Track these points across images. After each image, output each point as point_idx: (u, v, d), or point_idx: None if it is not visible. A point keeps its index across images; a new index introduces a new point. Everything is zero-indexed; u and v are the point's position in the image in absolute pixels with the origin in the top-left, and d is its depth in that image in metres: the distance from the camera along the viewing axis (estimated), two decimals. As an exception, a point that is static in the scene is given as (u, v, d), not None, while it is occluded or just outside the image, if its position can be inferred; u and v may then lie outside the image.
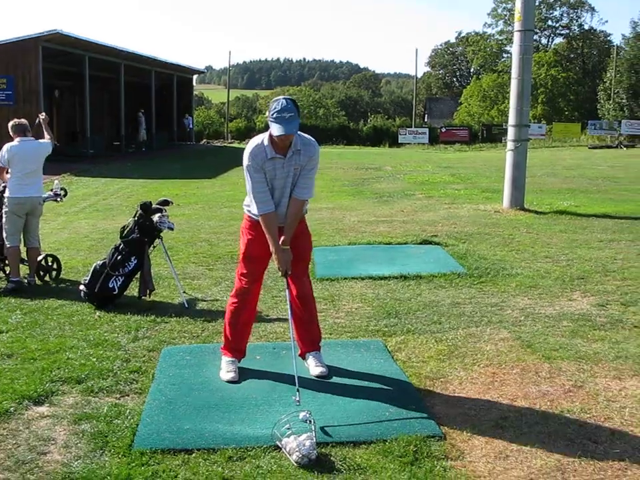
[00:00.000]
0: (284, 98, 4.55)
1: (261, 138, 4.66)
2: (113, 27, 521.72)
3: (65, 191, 8.89)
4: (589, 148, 39.44)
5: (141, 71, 34.43)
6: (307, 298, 5.03)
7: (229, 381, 4.89)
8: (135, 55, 32.31)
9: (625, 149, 38.28)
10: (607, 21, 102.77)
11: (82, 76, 28.80)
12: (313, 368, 5.01)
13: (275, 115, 4.44)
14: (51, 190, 8.44)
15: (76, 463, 3.73)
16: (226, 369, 5.00)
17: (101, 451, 3.87)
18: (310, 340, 5.10)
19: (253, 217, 4.79)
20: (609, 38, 73.65)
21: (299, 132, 4.61)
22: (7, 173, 7.59)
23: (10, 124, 7.67)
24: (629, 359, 5.26)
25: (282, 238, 4.68)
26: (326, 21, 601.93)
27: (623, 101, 49.66)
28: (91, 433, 4.08)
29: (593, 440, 4.00)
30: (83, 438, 4.04)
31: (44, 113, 8.18)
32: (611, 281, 7.67)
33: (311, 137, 4.78)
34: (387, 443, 3.93)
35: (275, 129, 4.45)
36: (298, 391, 4.34)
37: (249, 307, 5.04)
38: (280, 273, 4.81)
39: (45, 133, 7.84)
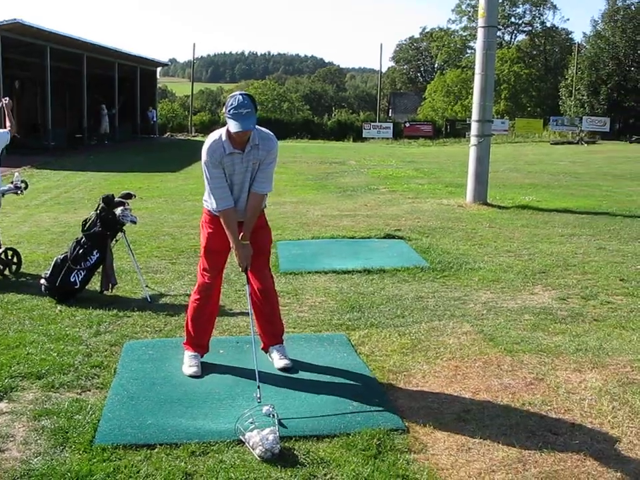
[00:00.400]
0: (240, 94, 4.51)
1: (219, 133, 4.62)
2: (74, 17, 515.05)
3: (26, 183, 8.74)
4: (551, 144, 39.96)
5: (103, 62, 33.99)
6: (269, 291, 5.01)
7: (191, 376, 4.86)
8: (97, 46, 31.87)
9: (585, 145, 38.87)
10: (568, 19, 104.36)
11: (43, 67, 28.35)
12: (277, 361, 5.00)
13: (231, 111, 4.40)
14: (11, 182, 8.30)
15: (35, 460, 3.68)
16: (188, 363, 4.97)
17: (62, 447, 3.82)
18: (272, 333, 5.09)
19: (213, 211, 4.76)
20: (570, 36, 74.83)
21: (257, 127, 4.59)
22: None
23: None
24: (588, 352, 5.33)
25: (241, 233, 4.66)
26: (291, 14, 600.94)
27: (584, 97, 50.29)
28: (51, 429, 4.02)
29: (554, 432, 4.05)
30: (42, 434, 3.98)
31: (7, 98, 7.98)
32: (571, 275, 7.78)
33: (269, 131, 4.74)
34: (350, 437, 3.94)
35: (232, 125, 4.42)
36: (259, 387, 4.32)
37: (211, 302, 5.01)
38: (240, 268, 4.79)
39: (7, 119, 7.68)
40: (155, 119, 41.99)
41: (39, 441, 3.89)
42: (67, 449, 3.81)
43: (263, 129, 4.72)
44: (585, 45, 54.07)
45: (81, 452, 3.76)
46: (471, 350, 5.39)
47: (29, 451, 3.79)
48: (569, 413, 4.31)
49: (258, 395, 4.26)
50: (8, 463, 3.66)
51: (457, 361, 5.18)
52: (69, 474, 3.52)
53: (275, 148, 4.70)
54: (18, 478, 3.51)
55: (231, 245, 4.69)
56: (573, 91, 50.85)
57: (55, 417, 4.18)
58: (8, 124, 7.65)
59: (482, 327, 5.95)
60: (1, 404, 4.39)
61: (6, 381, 4.69)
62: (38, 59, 28.49)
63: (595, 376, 4.88)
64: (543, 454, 3.78)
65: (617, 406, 4.39)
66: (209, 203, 4.76)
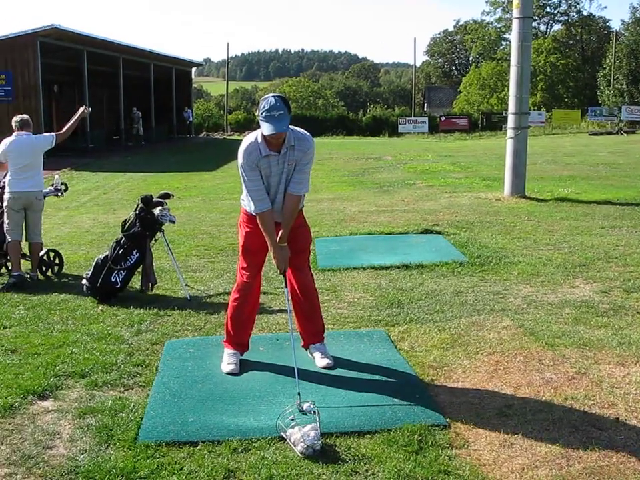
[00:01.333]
0: (272, 96, 4.51)
1: (255, 136, 4.62)
2: (108, 20, 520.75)
3: (66, 185, 8.89)
4: (589, 134, 39.33)
5: (139, 64, 34.34)
6: (309, 289, 5.02)
7: (228, 373, 4.89)
8: (133, 48, 32.25)
9: (625, 134, 38.18)
10: (605, 7, 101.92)
11: (81, 70, 28.75)
12: (318, 360, 5.01)
13: (264, 114, 4.40)
14: (52, 185, 8.45)
15: (81, 457, 3.74)
16: (227, 360, 5.00)
17: (106, 445, 3.88)
18: (312, 332, 5.09)
19: (250, 211, 4.78)
20: (608, 24, 73.54)
21: (292, 127, 4.58)
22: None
23: (13, 119, 7.79)
24: (632, 346, 5.26)
25: (279, 235, 4.66)
26: (324, 10, 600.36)
27: (623, 86, 49.49)
28: (95, 427, 4.09)
29: (597, 427, 4.00)
30: (88, 432, 4.04)
31: (90, 108, 8.08)
32: (613, 268, 7.67)
33: (305, 131, 4.73)
34: (391, 433, 3.94)
35: (266, 128, 4.42)
36: (299, 394, 4.27)
37: (251, 301, 5.03)
38: (278, 270, 4.80)
39: (68, 123, 7.81)
40: (191, 119, 42.27)
41: (84, 439, 3.96)
42: (111, 446, 3.87)
43: (299, 129, 4.70)
44: (623, 32, 53.21)
45: (125, 449, 3.82)
46: (511, 344, 5.35)
47: (74, 448, 3.86)
48: (612, 408, 4.25)
49: (299, 402, 4.24)
50: (56, 459, 3.73)
51: (498, 355, 5.14)
52: (114, 470, 3.58)
53: (312, 148, 4.68)
54: (65, 474, 3.58)
55: (269, 247, 4.70)
56: (612, 80, 50.07)
57: (99, 414, 4.25)
58: (65, 129, 7.79)
59: (522, 321, 5.90)
60: (47, 402, 4.48)
61: (51, 379, 4.78)
62: (75, 62, 28.90)
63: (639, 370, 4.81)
64: (587, 449, 3.74)
65: (663, 400, 4.32)
66: (246, 202, 4.78)
